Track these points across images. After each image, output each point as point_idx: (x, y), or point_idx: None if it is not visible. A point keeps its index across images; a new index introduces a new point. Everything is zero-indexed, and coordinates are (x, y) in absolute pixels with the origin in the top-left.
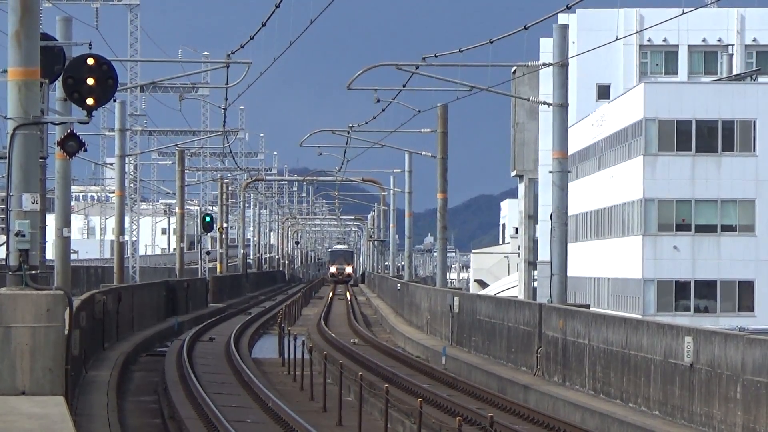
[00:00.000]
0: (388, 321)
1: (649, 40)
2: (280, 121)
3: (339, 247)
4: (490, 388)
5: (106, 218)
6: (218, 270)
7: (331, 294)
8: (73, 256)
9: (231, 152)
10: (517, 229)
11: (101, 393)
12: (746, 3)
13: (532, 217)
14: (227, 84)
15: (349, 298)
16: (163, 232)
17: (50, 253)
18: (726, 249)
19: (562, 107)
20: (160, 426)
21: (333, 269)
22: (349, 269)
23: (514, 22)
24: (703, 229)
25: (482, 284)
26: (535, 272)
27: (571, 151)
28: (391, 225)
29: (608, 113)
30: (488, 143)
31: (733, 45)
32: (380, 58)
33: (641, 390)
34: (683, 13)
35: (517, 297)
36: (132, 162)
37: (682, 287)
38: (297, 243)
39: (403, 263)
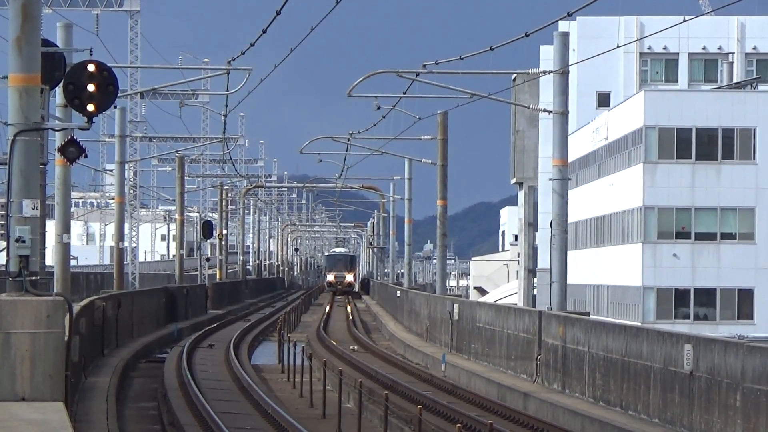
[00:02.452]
0: (387, 328)
1: (650, 47)
2: (280, 128)
3: (338, 250)
4: (489, 395)
5: (106, 224)
6: (218, 276)
7: (328, 308)
8: (73, 263)
9: (231, 159)
10: (516, 236)
11: (101, 399)
12: (746, 11)
13: (531, 225)
14: (227, 91)
15: (350, 312)
16: (163, 238)
17: (50, 260)
18: (726, 257)
19: (562, 115)
20: None
21: (331, 277)
22: (350, 277)
23: (514, 30)
24: (702, 237)
25: (482, 291)
26: (535, 280)
27: (571, 158)
28: (391, 232)
29: (608, 121)
30: (488, 150)
31: (733, 53)
32: (381, 65)
33: (641, 397)
34: (684, 21)
35: (516, 304)
36: (132, 168)
37: (681, 295)
38: (296, 250)
39: (402, 270)
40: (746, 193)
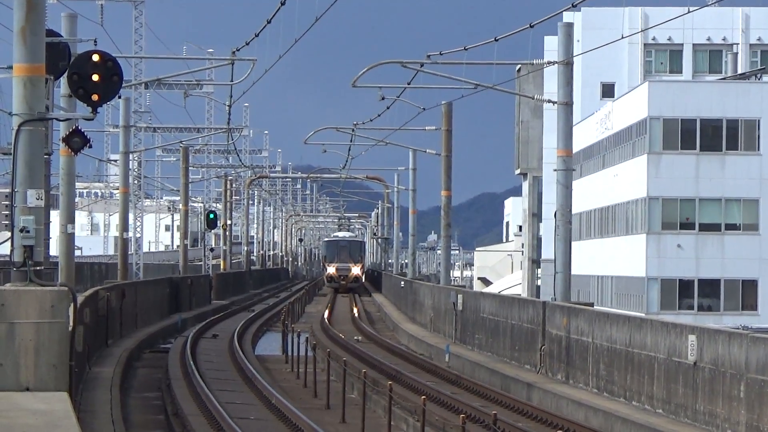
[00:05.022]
0: (391, 318)
1: (654, 38)
2: (284, 118)
3: (341, 234)
4: (493, 385)
5: (110, 215)
6: (222, 267)
7: (332, 299)
8: (77, 253)
9: (235, 149)
10: (520, 227)
11: (105, 389)
12: (751, 2)
13: (535, 215)
14: (232, 81)
15: (357, 313)
16: (167, 228)
17: (54, 250)
18: (730, 248)
19: (566, 105)
20: (163, 422)
21: (331, 269)
22: (356, 269)
23: (519, 21)
24: (706, 227)
25: (486, 282)
26: (539, 270)
27: (575, 149)
28: (395, 222)
29: (612, 112)
30: (492, 141)
31: (737, 44)
32: (385, 55)
33: (645, 388)
34: (688, 12)
35: (520, 295)
36: (136, 159)
37: (685, 286)
38: (300, 240)
39: (406, 261)
40: (750, 184)
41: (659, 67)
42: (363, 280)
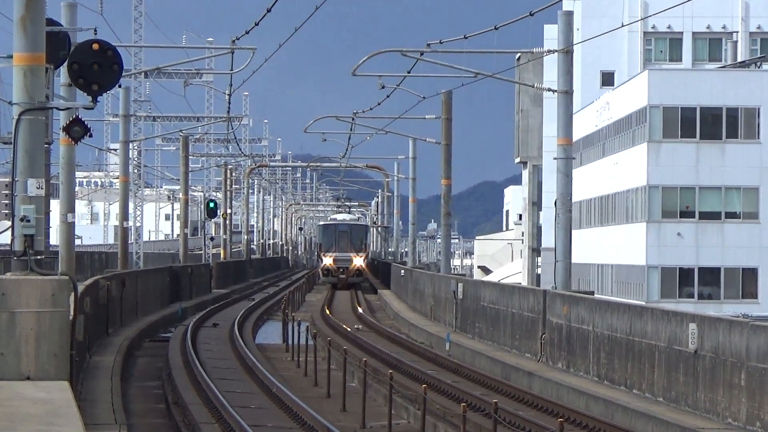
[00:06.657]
0: (391, 307)
1: (654, 26)
2: (284, 107)
3: (340, 218)
4: (494, 374)
5: (110, 204)
6: (222, 256)
7: (332, 288)
8: (77, 242)
9: (235, 138)
10: (520, 215)
11: (105, 378)
12: None
13: (535, 204)
14: (232, 70)
15: (360, 310)
16: (167, 217)
17: (54, 239)
18: (730, 236)
19: (566, 94)
20: (164, 411)
21: (328, 260)
22: (359, 260)
23: (519, 9)
24: (707, 216)
25: (486, 271)
26: (539, 259)
27: (575, 137)
28: (395, 211)
29: (612, 100)
30: (492, 130)
31: (737, 32)
32: (385, 44)
33: (645, 376)
34: (688, 0)
35: (520, 283)
36: (136, 148)
37: (685, 274)
38: (301, 229)
39: (406, 249)
40: (750, 172)
41: (659, 55)
42: (366, 273)
